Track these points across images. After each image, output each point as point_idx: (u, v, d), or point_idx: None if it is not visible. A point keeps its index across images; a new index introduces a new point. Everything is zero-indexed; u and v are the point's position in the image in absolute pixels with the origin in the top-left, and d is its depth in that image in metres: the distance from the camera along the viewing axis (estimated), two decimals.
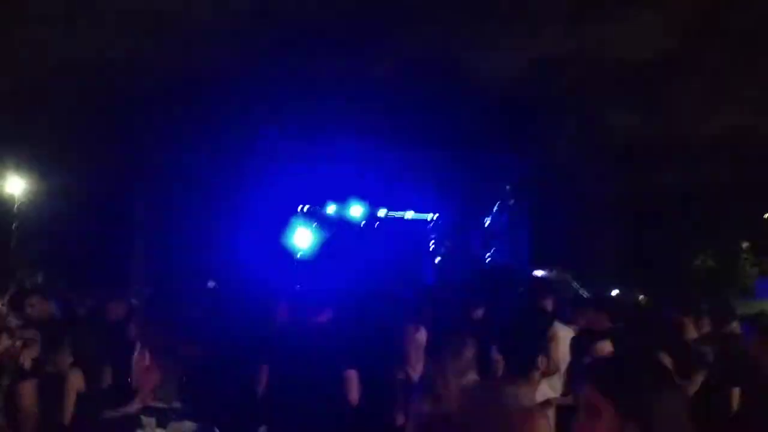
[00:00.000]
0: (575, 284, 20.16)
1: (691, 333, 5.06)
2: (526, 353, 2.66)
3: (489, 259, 23.52)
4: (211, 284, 11.14)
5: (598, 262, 21.89)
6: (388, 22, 21.82)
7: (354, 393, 4.00)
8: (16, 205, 17.83)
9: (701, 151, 21.52)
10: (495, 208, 23.29)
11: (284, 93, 20.25)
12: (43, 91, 18.51)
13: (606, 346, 3.80)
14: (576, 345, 4.00)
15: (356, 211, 22.83)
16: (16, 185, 17.69)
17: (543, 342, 2.77)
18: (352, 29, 21.28)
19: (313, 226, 22.90)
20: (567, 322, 4.73)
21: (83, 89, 18.79)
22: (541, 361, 2.66)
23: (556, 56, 21.47)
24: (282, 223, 22.25)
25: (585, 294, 18.68)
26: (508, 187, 22.57)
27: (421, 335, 4.38)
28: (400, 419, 4.13)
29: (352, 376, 4.00)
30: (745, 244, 24.15)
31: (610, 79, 22.13)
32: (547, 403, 3.20)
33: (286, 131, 20.37)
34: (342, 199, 22.37)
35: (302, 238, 22.49)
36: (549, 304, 4.67)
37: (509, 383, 2.64)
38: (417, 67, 21.89)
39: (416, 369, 4.21)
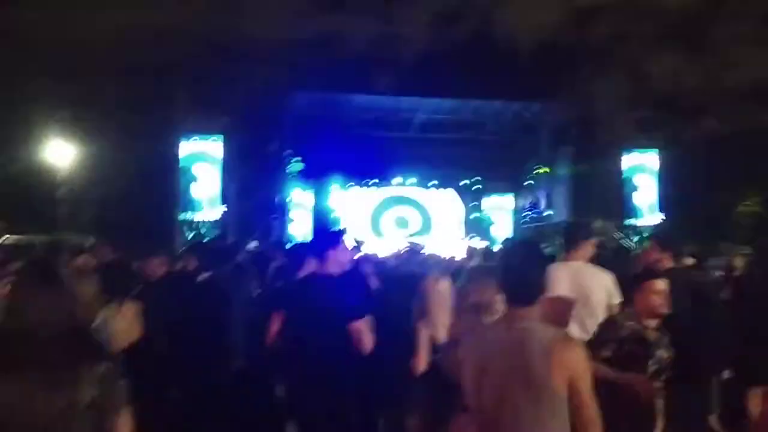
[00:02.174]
0: (618, 234, 19.98)
1: None
2: (526, 282, 2.65)
3: (528, 214, 23.49)
4: (252, 245, 11.30)
5: (640, 212, 21.61)
6: None
7: (364, 343, 4.02)
8: (60, 173, 18.25)
9: (747, 95, 20.91)
10: (535, 165, 23.17)
11: (317, 52, 20.24)
12: (86, 59, 18.85)
13: (656, 285, 3.79)
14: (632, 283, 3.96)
15: (409, 181, 23.19)
16: (60, 153, 18.07)
17: (542, 275, 2.70)
18: None
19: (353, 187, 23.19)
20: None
21: (127, 57, 19.10)
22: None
23: (595, 3, 21.01)
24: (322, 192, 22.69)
25: (628, 244, 18.53)
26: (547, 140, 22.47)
27: (443, 285, 4.35)
28: (418, 368, 4.17)
29: (359, 326, 4.02)
30: None
31: (650, 25, 21.56)
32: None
33: (320, 89, 20.45)
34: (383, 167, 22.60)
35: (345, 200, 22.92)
36: (582, 249, 4.64)
37: (525, 317, 2.59)
38: (452, 23, 21.64)
39: (442, 319, 4.18)
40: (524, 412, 2.46)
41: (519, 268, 2.67)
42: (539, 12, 21.16)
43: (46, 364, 2.36)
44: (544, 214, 22.48)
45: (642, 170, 21.70)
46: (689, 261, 6.83)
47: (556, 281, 4.17)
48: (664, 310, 3.79)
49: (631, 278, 4.03)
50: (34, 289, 2.59)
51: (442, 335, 4.08)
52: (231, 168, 19.63)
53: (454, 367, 3.04)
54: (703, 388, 4.95)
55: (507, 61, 21.51)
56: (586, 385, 2.47)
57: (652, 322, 3.79)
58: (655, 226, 20.69)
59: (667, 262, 5.27)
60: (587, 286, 4.34)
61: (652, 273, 4.04)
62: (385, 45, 21.44)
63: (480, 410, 2.61)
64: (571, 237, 4.69)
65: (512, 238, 18.93)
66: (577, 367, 2.47)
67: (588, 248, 4.67)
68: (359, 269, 5.69)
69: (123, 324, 4.78)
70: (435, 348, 4.27)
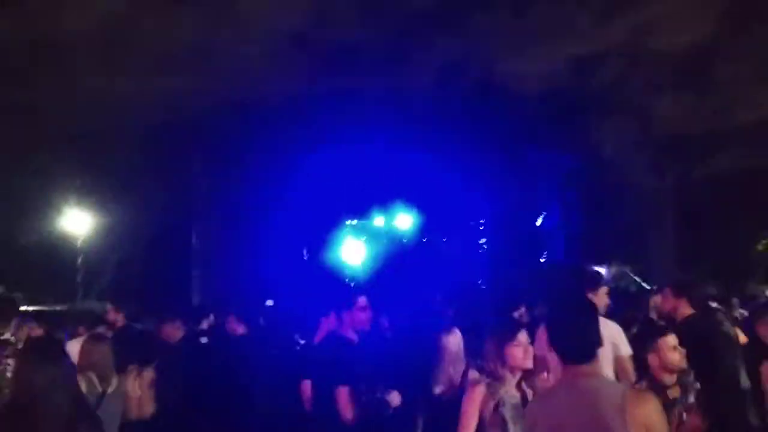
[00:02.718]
0: (636, 278, 19.83)
1: None
2: (586, 338, 2.57)
3: (544, 259, 23.41)
4: (269, 303, 11.39)
5: (654, 255, 21.47)
6: (421, 36, 22.02)
7: (345, 411, 4.06)
8: (79, 241, 18.53)
9: (753, 135, 20.94)
10: (544, 210, 23.26)
11: (327, 112, 20.58)
12: (102, 132, 19.30)
13: (671, 340, 3.70)
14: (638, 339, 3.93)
15: (404, 221, 23.03)
16: (79, 222, 18.40)
17: (597, 329, 2.62)
18: (388, 45, 21.55)
19: (363, 239, 23.17)
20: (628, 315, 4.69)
21: (140, 128, 19.53)
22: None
23: (594, 52, 21.32)
24: (331, 240, 22.59)
25: (648, 286, 18.36)
26: (557, 185, 22.57)
27: (455, 337, 4.36)
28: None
29: (341, 393, 4.08)
30: None
31: (650, 69, 21.80)
32: None
33: (332, 149, 20.72)
34: (388, 209, 22.59)
35: (353, 253, 22.76)
36: (597, 296, 4.62)
37: (585, 373, 2.52)
38: (456, 77, 21.97)
39: (457, 369, 4.20)
40: None
41: (576, 324, 2.60)
42: (546, 61, 21.44)
43: None
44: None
45: (654, 211, 21.66)
46: (712, 304, 6.61)
47: None
48: (683, 365, 3.73)
49: (645, 330, 3.97)
50: (35, 366, 2.80)
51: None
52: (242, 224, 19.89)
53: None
54: None
55: (515, 111, 21.76)
56: None
57: (670, 379, 3.71)
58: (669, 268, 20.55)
59: (685, 309, 5.05)
60: None
61: (662, 328, 4.00)
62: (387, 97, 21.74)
63: None
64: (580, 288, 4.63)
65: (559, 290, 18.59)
66: (652, 419, 2.41)
67: (599, 297, 4.62)
68: (379, 328, 5.65)
69: (139, 392, 4.78)
70: None
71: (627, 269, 19.74)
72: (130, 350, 5.84)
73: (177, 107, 19.27)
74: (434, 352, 4.28)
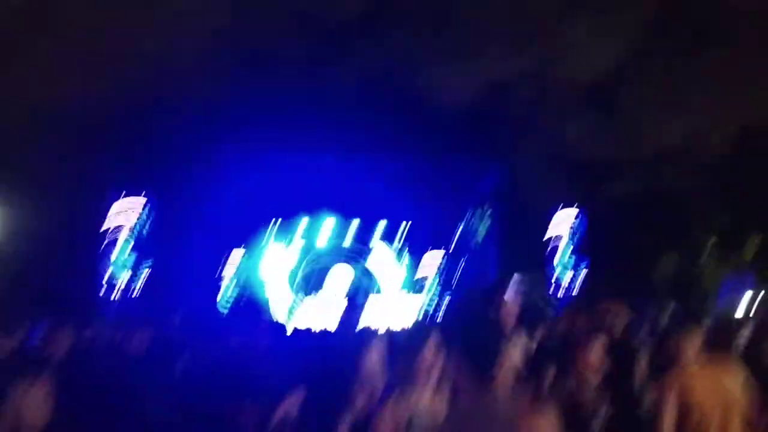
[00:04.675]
0: (546, 293, 20.44)
1: None
2: (485, 356, 2.66)
3: (459, 272, 23.77)
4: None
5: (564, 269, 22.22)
6: (344, 43, 22.19)
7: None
8: None
9: (657, 160, 22.11)
10: (462, 222, 23.65)
11: (251, 110, 20.32)
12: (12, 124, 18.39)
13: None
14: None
15: (326, 225, 22.94)
16: None
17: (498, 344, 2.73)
18: (312, 51, 21.61)
19: (286, 244, 22.90)
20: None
21: (51, 121, 18.70)
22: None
23: (507, 77, 22.12)
24: (254, 243, 22.23)
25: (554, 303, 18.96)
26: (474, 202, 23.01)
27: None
28: None
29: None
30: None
31: (563, 95, 22.71)
32: None
33: (254, 148, 20.41)
34: (314, 213, 22.42)
35: (275, 259, 22.43)
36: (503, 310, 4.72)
37: (488, 389, 2.62)
38: (377, 85, 22.20)
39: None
40: None
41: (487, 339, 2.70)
42: (463, 80, 21.99)
43: None
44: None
45: (566, 228, 22.43)
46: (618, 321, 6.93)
47: None
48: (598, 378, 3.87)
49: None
50: None
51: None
52: (157, 228, 19.28)
53: None
54: None
55: (434, 123, 22.15)
56: None
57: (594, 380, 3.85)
58: (579, 283, 21.35)
59: (584, 324, 5.32)
60: None
61: (586, 339, 4.15)
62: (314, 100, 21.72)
63: None
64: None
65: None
66: None
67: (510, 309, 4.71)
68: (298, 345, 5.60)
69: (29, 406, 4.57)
70: None
71: (539, 282, 20.31)
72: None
73: (86, 98, 18.60)
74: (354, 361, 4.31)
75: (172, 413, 5.04)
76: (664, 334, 5.35)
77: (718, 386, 4.19)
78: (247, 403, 4.02)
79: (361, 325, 6.96)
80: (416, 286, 23.76)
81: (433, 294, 22.32)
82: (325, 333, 6.77)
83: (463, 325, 3.16)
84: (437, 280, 24.25)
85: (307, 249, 22.96)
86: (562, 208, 22.45)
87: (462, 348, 2.75)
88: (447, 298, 22.79)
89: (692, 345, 4.52)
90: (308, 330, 7.02)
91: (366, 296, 21.65)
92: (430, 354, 3.45)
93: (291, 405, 4.28)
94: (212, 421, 4.72)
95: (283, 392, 4.12)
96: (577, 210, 22.44)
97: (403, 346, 3.71)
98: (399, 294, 22.42)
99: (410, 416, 3.32)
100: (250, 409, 4.02)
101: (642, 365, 5.10)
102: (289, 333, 6.11)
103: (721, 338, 5.32)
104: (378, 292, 22.85)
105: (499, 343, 2.71)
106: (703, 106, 22.03)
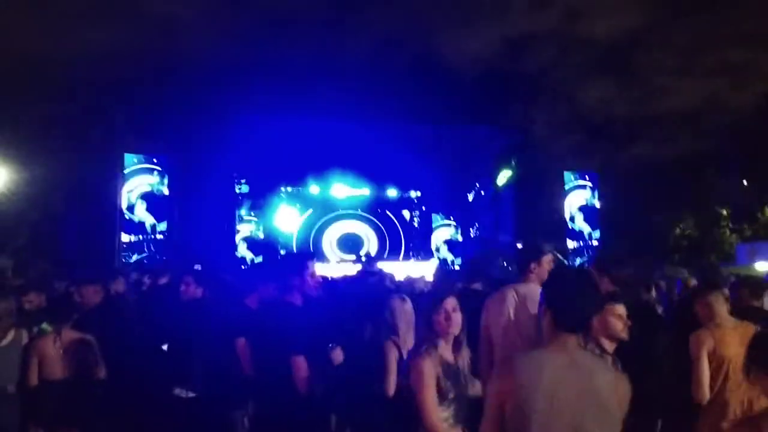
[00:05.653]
0: (559, 256, 20.38)
1: None
2: (585, 307, 2.62)
3: (474, 234, 23.77)
4: (196, 267, 11.15)
5: (580, 234, 22.10)
6: (358, 8, 21.92)
7: (300, 378, 4.05)
8: None
9: (674, 122, 21.84)
10: (478, 184, 23.55)
11: (262, 73, 20.18)
12: (23, 82, 18.34)
13: (618, 309, 3.80)
14: None
15: (339, 189, 22.97)
16: None
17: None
18: (328, 12, 21.33)
19: (297, 206, 22.99)
20: None
21: (63, 79, 18.65)
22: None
23: (527, 33, 21.74)
24: (264, 205, 22.34)
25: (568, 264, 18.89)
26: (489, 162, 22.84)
27: (409, 305, 4.40)
28: (390, 389, 4.17)
29: (298, 361, 4.05)
30: (724, 212, 24.45)
31: (581, 55, 22.39)
32: None
33: (264, 111, 20.31)
34: (324, 177, 22.45)
35: (287, 220, 22.58)
36: (541, 266, 4.64)
37: (574, 343, 2.57)
38: (393, 48, 21.95)
39: (407, 340, 4.23)
40: None
41: (578, 296, 2.61)
42: (481, 41, 21.69)
43: None
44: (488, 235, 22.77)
45: (581, 193, 22.23)
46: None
47: (509, 304, 4.21)
48: (624, 336, 3.82)
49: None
50: None
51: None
52: (174, 189, 19.34)
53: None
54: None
55: (451, 87, 21.89)
56: None
57: (610, 346, 3.78)
58: (593, 248, 21.22)
59: (607, 286, 5.23)
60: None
61: (613, 295, 4.07)
62: (331, 68, 21.51)
63: None
64: (525, 259, 4.65)
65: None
66: (626, 399, 2.52)
67: (543, 266, 4.64)
68: (322, 297, 5.61)
69: (52, 352, 4.75)
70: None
71: (552, 247, 20.21)
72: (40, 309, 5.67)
73: (100, 60, 18.51)
74: (392, 316, 4.33)
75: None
76: (689, 295, 5.32)
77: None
78: (286, 352, 4.05)
79: (379, 284, 6.93)
80: (431, 250, 23.85)
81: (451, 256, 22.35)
82: (348, 288, 6.81)
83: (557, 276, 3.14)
84: (454, 242, 24.31)
85: (323, 210, 23.15)
86: (582, 171, 22.23)
87: (555, 297, 2.65)
88: (459, 260, 22.87)
89: (720, 304, 4.46)
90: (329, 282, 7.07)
91: (381, 257, 21.76)
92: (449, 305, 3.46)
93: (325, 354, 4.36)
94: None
95: (314, 342, 4.18)
96: (596, 175, 22.23)
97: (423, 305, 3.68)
98: (416, 256, 22.50)
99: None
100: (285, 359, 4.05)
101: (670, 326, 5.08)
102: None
103: (746, 298, 5.31)
104: (394, 254, 23.00)
105: (592, 297, 2.69)
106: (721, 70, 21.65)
